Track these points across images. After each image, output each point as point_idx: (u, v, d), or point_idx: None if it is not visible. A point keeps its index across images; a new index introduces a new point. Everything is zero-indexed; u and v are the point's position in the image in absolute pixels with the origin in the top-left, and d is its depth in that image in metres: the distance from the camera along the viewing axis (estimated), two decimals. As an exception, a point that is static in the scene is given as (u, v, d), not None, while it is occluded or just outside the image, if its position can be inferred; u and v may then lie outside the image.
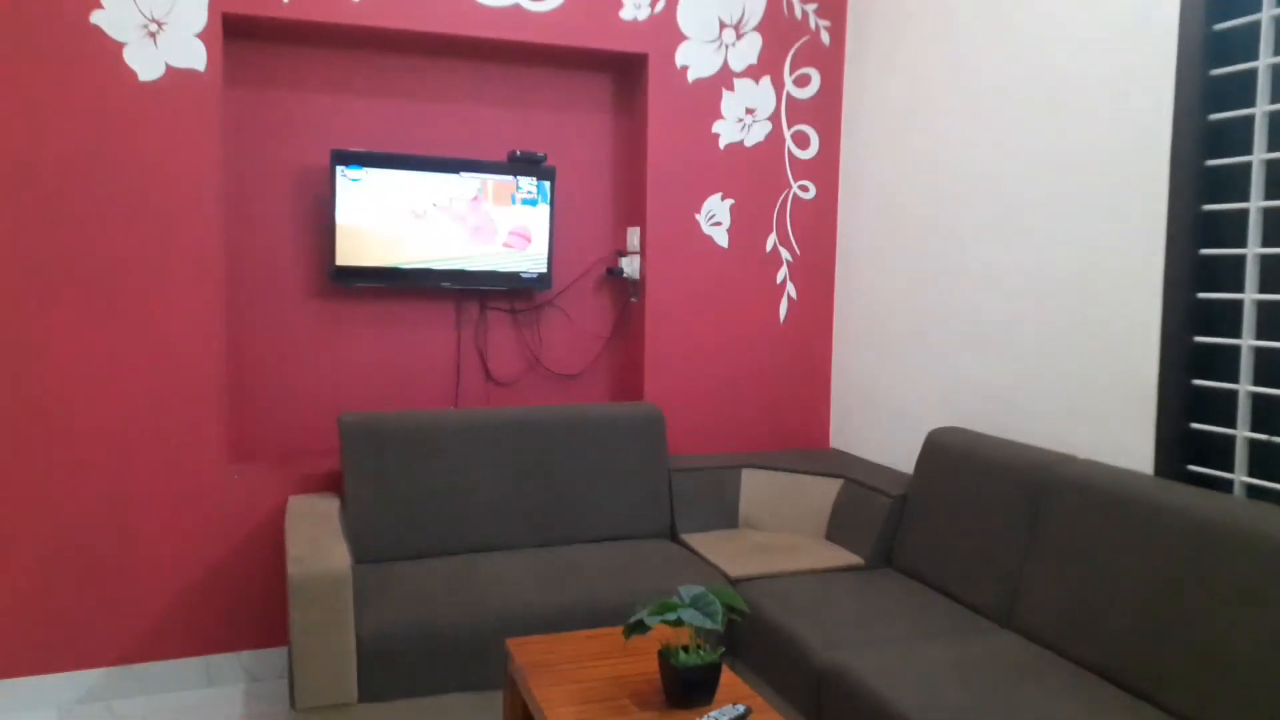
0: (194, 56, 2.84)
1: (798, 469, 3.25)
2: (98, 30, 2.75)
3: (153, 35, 2.80)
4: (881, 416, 3.38)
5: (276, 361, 3.21)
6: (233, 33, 2.96)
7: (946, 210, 3.04)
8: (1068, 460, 2.44)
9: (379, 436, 2.87)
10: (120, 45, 2.78)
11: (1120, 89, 2.41)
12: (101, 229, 2.79)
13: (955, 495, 2.66)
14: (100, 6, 2.74)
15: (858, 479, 3.09)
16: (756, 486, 3.25)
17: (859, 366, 3.51)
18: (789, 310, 3.59)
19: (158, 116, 2.82)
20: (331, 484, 3.03)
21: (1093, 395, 2.50)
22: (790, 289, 3.59)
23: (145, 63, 2.80)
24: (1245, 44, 2.16)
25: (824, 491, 3.16)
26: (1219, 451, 2.24)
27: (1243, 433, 2.15)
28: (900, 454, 3.27)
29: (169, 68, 2.82)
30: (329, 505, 2.86)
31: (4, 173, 2.70)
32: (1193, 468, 2.27)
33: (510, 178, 3.27)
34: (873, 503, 2.95)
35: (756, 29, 3.43)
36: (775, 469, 3.26)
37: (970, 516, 2.58)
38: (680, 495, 3.19)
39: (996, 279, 2.83)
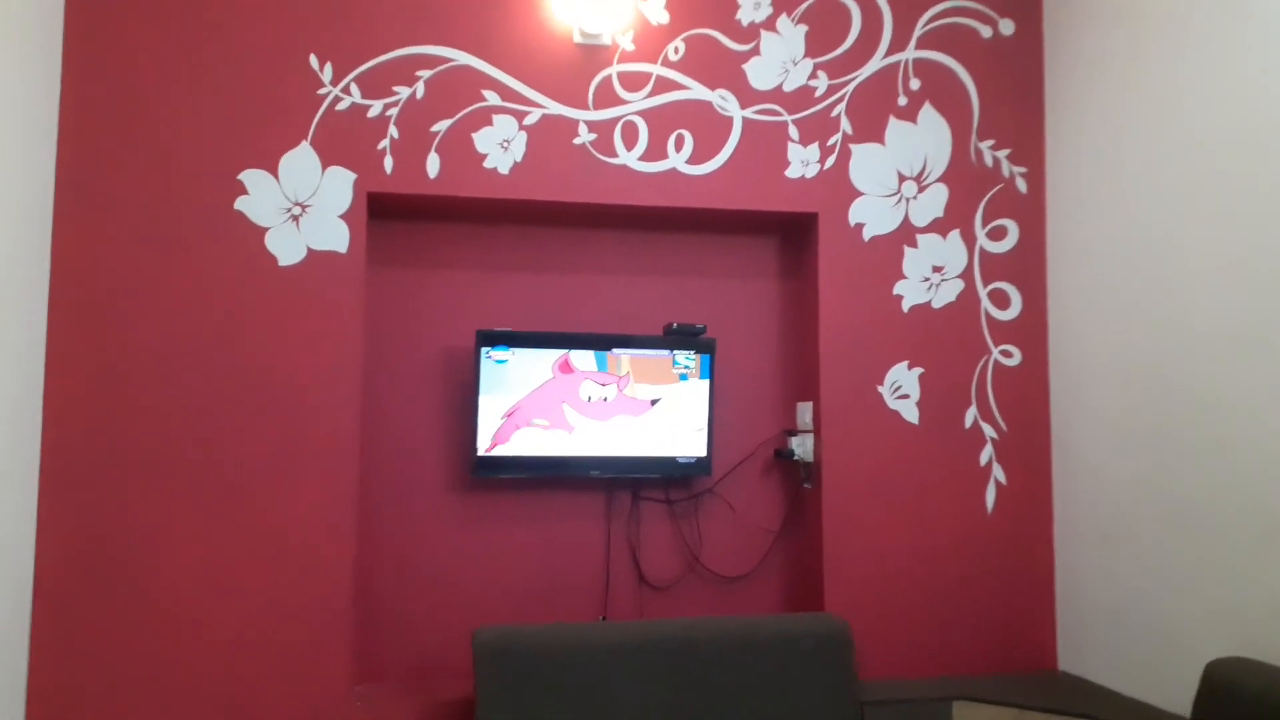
0: (336, 238, 2.68)
1: (1027, 704, 2.58)
2: (241, 216, 2.64)
3: (295, 219, 2.67)
4: (1129, 634, 2.69)
5: (409, 564, 2.87)
6: (376, 212, 2.81)
7: (1200, 373, 2.46)
8: None
9: (518, 661, 2.43)
10: (263, 230, 2.65)
11: None
12: (229, 426, 2.58)
13: (1273, 768, 1.96)
14: (245, 193, 2.64)
15: (1113, 724, 2.41)
16: (975, 726, 2.61)
17: (1094, 567, 2.85)
18: (998, 497, 3.01)
19: (296, 302, 2.65)
20: (466, 712, 2.60)
21: None
22: (997, 471, 3.01)
23: (286, 247, 2.66)
24: None
25: (1067, 738, 2.48)
26: None
27: None
28: (1160, 685, 2.55)
29: (310, 250, 2.67)
30: (460, 744, 2.42)
31: (132, 365, 2.55)
32: None
33: (666, 352, 2.92)
34: (1142, 763, 2.27)
35: (941, 179, 3.03)
36: (997, 703, 2.61)
37: (1304, 804, 1.88)
38: (878, 736, 2.58)
39: (1291, 469, 2.21)
